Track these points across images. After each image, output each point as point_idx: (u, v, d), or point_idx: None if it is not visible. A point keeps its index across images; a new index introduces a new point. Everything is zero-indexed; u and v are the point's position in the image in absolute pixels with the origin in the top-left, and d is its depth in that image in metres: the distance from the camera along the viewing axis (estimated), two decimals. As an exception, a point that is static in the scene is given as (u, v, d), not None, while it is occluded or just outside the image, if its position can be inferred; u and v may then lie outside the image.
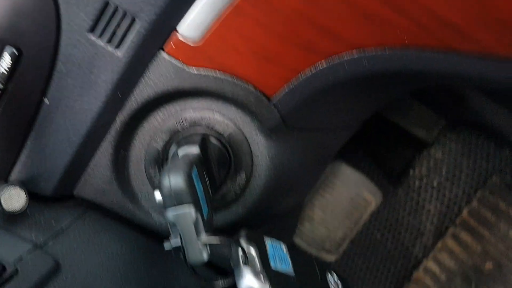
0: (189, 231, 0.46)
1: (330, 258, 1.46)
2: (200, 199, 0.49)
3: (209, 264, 0.68)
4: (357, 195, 1.44)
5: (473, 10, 0.51)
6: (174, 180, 0.45)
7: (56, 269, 0.53)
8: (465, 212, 1.32)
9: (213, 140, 0.61)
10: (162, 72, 0.56)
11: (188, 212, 0.46)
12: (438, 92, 1.28)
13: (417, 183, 1.40)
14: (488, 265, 1.25)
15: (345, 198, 1.45)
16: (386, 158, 1.47)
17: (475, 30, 0.53)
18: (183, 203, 0.46)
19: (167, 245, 0.48)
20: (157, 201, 0.47)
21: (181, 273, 0.65)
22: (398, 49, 0.54)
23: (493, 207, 1.27)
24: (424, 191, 1.39)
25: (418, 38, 0.53)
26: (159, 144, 0.62)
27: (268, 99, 0.58)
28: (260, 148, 0.62)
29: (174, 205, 0.46)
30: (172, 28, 0.57)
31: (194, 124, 0.61)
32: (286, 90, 0.57)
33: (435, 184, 1.38)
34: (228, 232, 0.55)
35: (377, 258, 1.43)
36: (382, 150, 1.47)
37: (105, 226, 0.63)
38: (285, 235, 0.91)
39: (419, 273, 1.36)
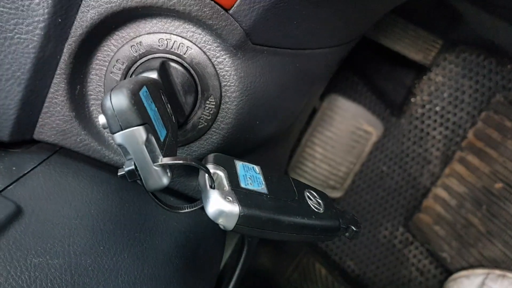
0: (141, 153, 0.42)
1: (336, 194, 1.44)
2: (153, 120, 0.45)
3: (178, 194, 0.65)
4: (356, 128, 1.40)
5: None
6: (116, 99, 0.41)
7: (17, 213, 0.50)
8: (470, 135, 1.28)
9: (174, 64, 0.57)
10: (103, -11, 0.51)
11: (136, 130, 0.42)
12: (433, 11, 1.22)
13: (419, 110, 1.36)
14: (498, 185, 1.22)
15: (344, 133, 1.41)
16: (386, 89, 1.43)
17: None
18: (131, 125, 0.42)
19: (120, 172, 0.44)
20: (101, 125, 0.43)
21: (159, 210, 0.62)
22: None
23: (499, 126, 1.23)
24: (427, 117, 1.35)
25: None
26: (117, 75, 0.58)
27: (226, 10, 0.53)
28: (226, 68, 0.57)
29: (120, 128, 0.42)
30: None
31: (151, 48, 0.56)
32: (244, -3, 0.52)
33: (438, 109, 1.33)
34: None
35: (385, 191, 1.41)
36: (381, 80, 1.43)
37: (74, 169, 0.60)
38: (276, 166, 0.88)
39: (428, 201, 1.33)
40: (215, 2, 0.52)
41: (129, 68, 0.58)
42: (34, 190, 0.54)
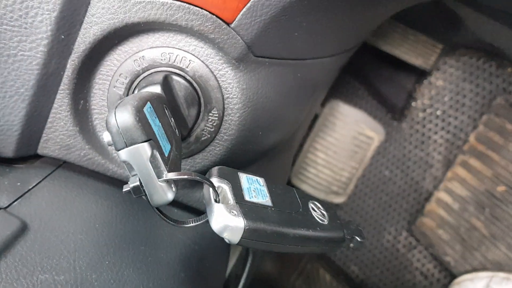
0: (146, 169, 0.42)
1: (339, 199, 1.44)
2: (157, 136, 0.45)
3: (182, 206, 0.65)
4: (358, 133, 1.40)
5: None
6: (121, 116, 0.41)
7: (22, 230, 0.50)
8: (472, 138, 1.28)
9: (176, 78, 0.57)
10: (104, 5, 0.52)
11: (141, 146, 0.42)
12: (432, 16, 1.22)
13: (420, 114, 1.36)
14: (501, 188, 1.22)
15: (346, 138, 1.41)
16: (387, 94, 1.43)
17: None
18: (135, 141, 0.42)
19: (125, 188, 0.44)
20: (105, 142, 0.43)
21: (163, 223, 0.62)
22: None
23: (500, 129, 1.23)
24: (429, 121, 1.35)
25: None
26: (120, 89, 0.58)
27: (228, 24, 0.54)
28: (229, 80, 0.57)
29: (125, 145, 0.42)
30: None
31: (153, 62, 0.57)
32: (245, 11, 0.52)
33: (439, 113, 1.33)
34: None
35: (387, 195, 1.41)
36: (382, 85, 1.43)
37: (78, 183, 0.60)
38: (279, 174, 0.88)
39: (431, 205, 1.33)
40: (216, 16, 0.53)
41: (132, 82, 0.58)
42: (39, 206, 0.55)
